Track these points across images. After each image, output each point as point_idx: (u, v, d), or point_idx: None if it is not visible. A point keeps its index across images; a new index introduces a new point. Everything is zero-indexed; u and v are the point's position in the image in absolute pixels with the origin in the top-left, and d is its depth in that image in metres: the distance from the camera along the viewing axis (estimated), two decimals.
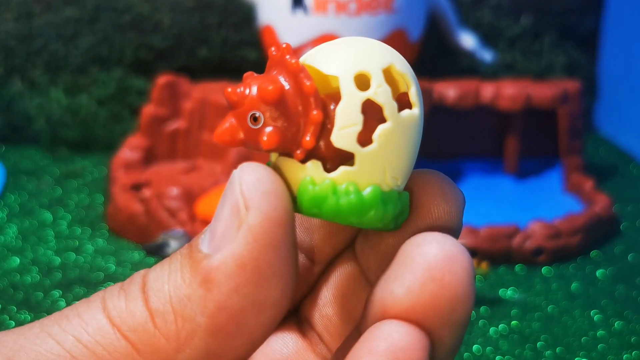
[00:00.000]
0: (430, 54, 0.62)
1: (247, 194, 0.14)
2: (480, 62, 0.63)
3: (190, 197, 0.48)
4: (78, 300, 0.43)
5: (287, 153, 0.15)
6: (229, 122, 0.15)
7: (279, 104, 0.15)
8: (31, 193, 0.54)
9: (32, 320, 0.40)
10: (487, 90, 0.52)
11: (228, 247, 0.13)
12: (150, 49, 0.63)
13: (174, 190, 0.47)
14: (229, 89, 0.15)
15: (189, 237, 0.44)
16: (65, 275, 0.43)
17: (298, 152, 0.15)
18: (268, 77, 0.15)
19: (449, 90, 0.52)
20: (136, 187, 0.49)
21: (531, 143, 0.57)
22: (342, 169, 0.15)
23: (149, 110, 0.54)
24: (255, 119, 0.15)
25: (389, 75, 0.15)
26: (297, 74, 0.15)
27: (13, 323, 0.38)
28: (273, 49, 0.15)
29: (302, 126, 0.15)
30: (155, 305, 0.14)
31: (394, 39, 0.51)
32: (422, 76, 0.51)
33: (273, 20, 0.55)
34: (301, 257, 0.17)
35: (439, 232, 0.14)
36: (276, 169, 0.15)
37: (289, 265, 0.14)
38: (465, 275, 0.14)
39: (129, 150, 0.52)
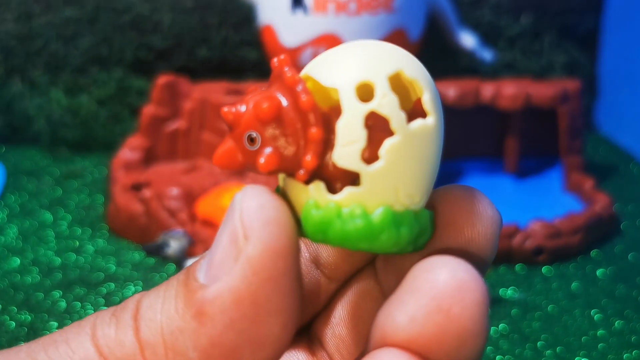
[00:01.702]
0: (430, 54, 0.62)
1: (247, 222, 0.12)
2: (480, 61, 0.63)
3: (190, 197, 0.48)
4: (78, 300, 0.43)
5: (293, 174, 0.14)
6: (227, 144, 0.14)
7: (276, 122, 0.13)
8: (31, 193, 0.54)
9: (32, 321, 0.40)
10: (487, 90, 0.52)
11: (224, 279, 0.12)
12: (150, 49, 0.63)
13: (174, 191, 0.47)
14: (225, 109, 0.14)
15: (189, 237, 0.44)
16: (65, 275, 0.43)
17: (300, 172, 0.13)
18: (265, 93, 0.14)
19: (449, 90, 0.52)
20: (136, 188, 0.49)
21: (531, 142, 0.57)
22: (348, 190, 0.13)
23: (149, 110, 0.54)
24: (252, 140, 0.13)
25: (398, 83, 0.14)
26: (293, 88, 0.13)
27: (13, 323, 0.38)
28: (275, 60, 0.14)
29: (303, 145, 0.13)
30: (146, 336, 0.13)
31: (394, 39, 0.51)
32: None
33: (273, 20, 0.55)
34: (317, 273, 0.16)
35: (452, 256, 0.13)
36: (284, 191, 0.14)
37: (290, 299, 0.13)
38: (477, 307, 0.12)
39: (129, 151, 0.52)
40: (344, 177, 0.13)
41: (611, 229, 0.50)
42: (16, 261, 0.44)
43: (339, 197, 0.13)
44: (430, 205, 0.15)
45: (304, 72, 0.14)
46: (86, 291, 0.41)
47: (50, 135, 0.61)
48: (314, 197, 0.13)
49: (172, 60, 0.63)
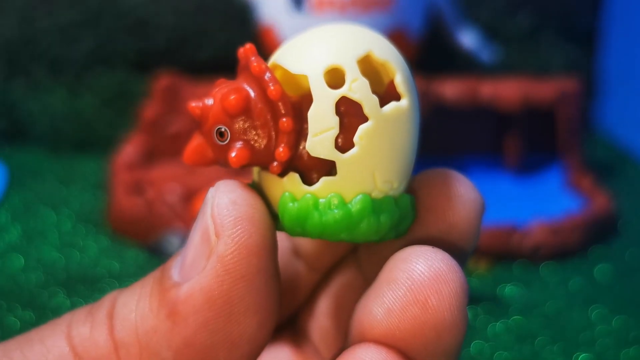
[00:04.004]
0: (429, 53, 0.62)
1: (218, 220, 0.12)
2: (480, 60, 0.63)
3: (191, 196, 0.48)
4: (82, 299, 0.43)
5: (266, 167, 0.13)
6: (197, 140, 0.13)
7: (245, 114, 0.13)
8: (35, 193, 0.55)
9: (36, 320, 0.40)
10: (487, 89, 0.53)
11: (196, 278, 0.12)
12: (152, 50, 0.63)
13: (176, 190, 0.48)
14: (193, 104, 0.13)
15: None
16: (69, 274, 0.43)
17: (274, 165, 0.13)
18: (232, 85, 0.13)
19: (448, 89, 0.52)
20: (138, 187, 0.49)
21: (531, 141, 0.57)
22: (324, 179, 0.13)
23: (150, 110, 0.54)
24: (221, 134, 0.13)
25: (368, 65, 0.13)
26: (260, 77, 0.13)
27: (18, 323, 0.38)
28: (241, 50, 0.13)
29: (275, 136, 0.13)
30: (120, 335, 0.12)
31: (394, 39, 0.51)
32: (421, 75, 0.51)
33: (273, 20, 0.56)
34: (299, 264, 0.16)
35: (429, 247, 0.12)
36: (259, 185, 0.14)
37: (266, 298, 0.12)
38: (454, 298, 0.12)
39: (131, 150, 0.53)
40: (319, 167, 0.13)
41: (610, 227, 0.50)
42: (20, 260, 0.45)
43: (315, 187, 0.13)
44: (411, 190, 0.14)
45: (271, 61, 0.14)
46: (90, 290, 0.42)
47: (53, 136, 0.61)
48: (289, 189, 0.13)
49: (173, 61, 0.64)
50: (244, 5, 0.62)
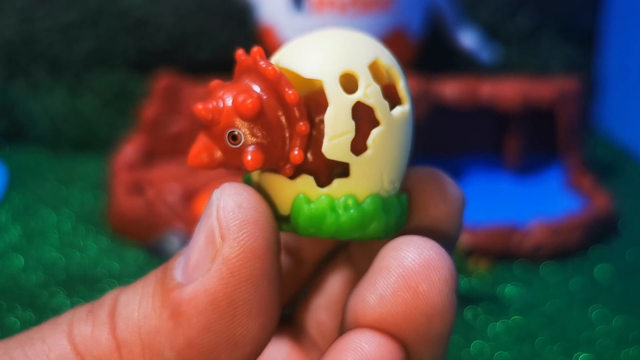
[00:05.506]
0: (429, 53, 0.62)
1: (224, 223, 0.12)
2: (480, 60, 0.63)
3: (192, 196, 0.48)
4: (82, 299, 0.43)
5: (274, 169, 0.13)
6: (203, 142, 0.13)
7: (258, 117, 0.13)
8: (35, 193, 0.55)
9: (36, 320, 0.40)
10: (487, 89, 0.53)
11: (200, 280, 0.12)
12: (152, 50, 0.63)
13: (176, 190, 0.48)
14: (200, 106, 0.13)
15: (190, 235, 0.45)
16: (69, 274, 0.43)
17: (287, 167, 0.13)
18: (242, 88, 0.13)
19: (448, 89, 0.52)
20: (138, 187, 0.49)
21: (531, 141, 0.57)
22: (338, 181, 0.13)
23: (150, 110, 0.54)
24: (234, 138, 0.13)
25: (374, 70, 0.14)
26: (276, 82, 0.13)
27: (18, 323, 0.39)
28: (240, 52, 0.13)
29: (288, 139, 0.13)
30: (122, 334, 0.12)
31: (394, 39, 0.51)
32: (421, 75, 0.51)
33: (273, 20, 0.56)
34: (286, 259, 0.16)
35: (419, 236, 0.13)
36: (260, 186, 0.14)
37: (269, 300, 0.12)
38: (443, 284, 0.12)
39: (131, 150, 0.53)
40: (325, 169, 0.13)
41: (610, 227, 0.50)
42: (20, 261, 0.45)
43: (330, 188, 0.13)
44: (403, 187, 0.15)
45: (273, 63, 0.14)
46: (90, 290, 0.42)
47: (53, 135, 0.61)
48: (303, 191, 0.13)
49: (173, 61, 0.64)
50: (244, 5, 0.62)
